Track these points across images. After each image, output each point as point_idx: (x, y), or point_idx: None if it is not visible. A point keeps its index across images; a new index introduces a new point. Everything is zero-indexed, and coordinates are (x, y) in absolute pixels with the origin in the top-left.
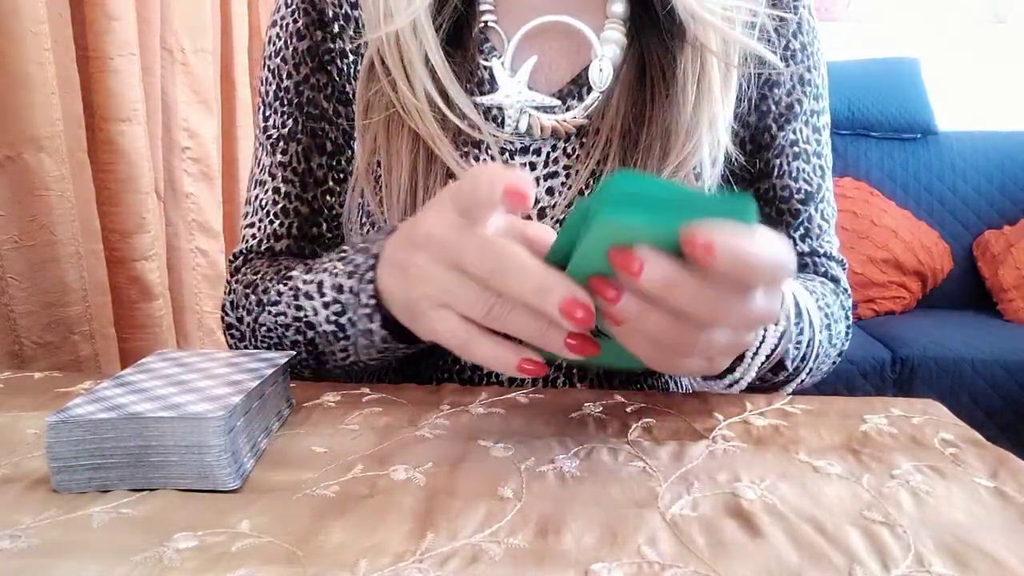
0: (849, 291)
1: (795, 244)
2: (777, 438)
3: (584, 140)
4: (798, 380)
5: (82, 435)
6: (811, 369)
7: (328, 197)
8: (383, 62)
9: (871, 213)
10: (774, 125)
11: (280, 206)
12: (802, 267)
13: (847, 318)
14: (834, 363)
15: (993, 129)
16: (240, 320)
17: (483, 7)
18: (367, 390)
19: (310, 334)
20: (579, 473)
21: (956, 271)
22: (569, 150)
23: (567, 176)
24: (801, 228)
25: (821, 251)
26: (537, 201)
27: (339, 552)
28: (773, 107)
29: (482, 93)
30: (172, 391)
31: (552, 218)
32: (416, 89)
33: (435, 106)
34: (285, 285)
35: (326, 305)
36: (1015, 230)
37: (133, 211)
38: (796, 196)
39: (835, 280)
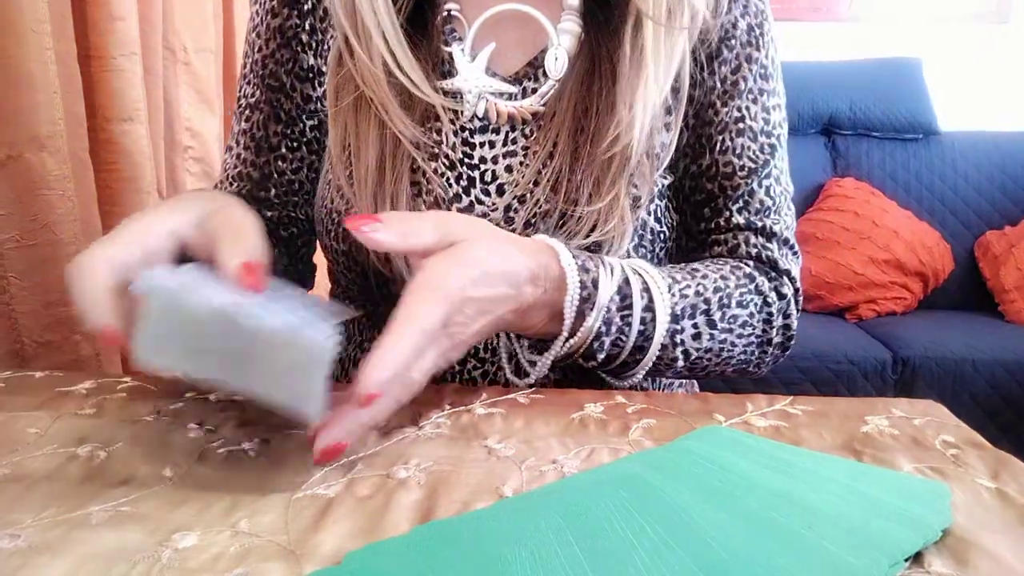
0: (793, 277)
1: (729, 217)
2: (778, 439)
3: (540, 124)
4: (640, 369)
5: (183, 318)
6: (674, 358)
7: (280, 163)
8: (347, 42)
9: (872, 213)
10: (718, 101)
11: (238, 170)
12: (725, 244)
13: (781, 306)
14: (764, 352)
15: (995, 129)
16: None
17: None
18: None
19: None
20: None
21: (957, 272)
22: (527, 132)
23: (524, 156)
24: (740, 200)
25: (759, 227)
26: (496, 177)
27: (339, 552)
28: (718, 84)
29: (442, 77)
30: (277, 308)
31: (512, 194)
32: (375, 61)
33: (397, 85)
34: None
35: None
36: (1016, 231)
37: (135, 211)
38: (739, 172)
39: (770, 262)
